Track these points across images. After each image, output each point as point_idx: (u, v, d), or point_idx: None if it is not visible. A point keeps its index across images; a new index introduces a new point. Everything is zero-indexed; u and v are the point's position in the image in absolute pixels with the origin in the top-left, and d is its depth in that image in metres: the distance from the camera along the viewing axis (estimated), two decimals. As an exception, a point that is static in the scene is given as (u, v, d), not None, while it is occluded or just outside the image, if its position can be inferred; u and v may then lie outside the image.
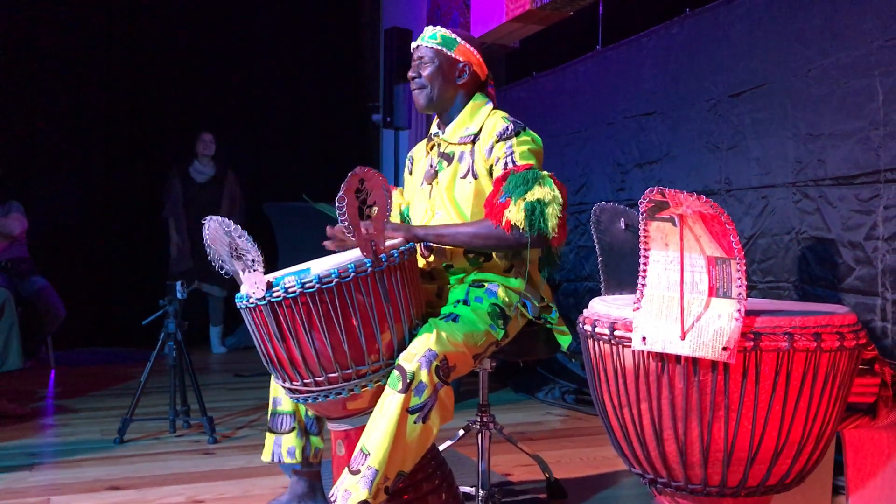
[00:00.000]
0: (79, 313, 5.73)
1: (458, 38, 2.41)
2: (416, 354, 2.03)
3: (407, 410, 1.99)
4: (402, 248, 2.11)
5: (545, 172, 2.22)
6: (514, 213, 2.16)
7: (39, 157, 6.28)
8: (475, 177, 2.34)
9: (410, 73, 2.43)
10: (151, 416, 3.72)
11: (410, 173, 2.60)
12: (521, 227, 2.15)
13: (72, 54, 6.41)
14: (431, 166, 2.44)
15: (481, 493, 2.46)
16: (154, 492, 2.79)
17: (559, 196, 2.17)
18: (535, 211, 2.14)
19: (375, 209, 2.02)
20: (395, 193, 2.63)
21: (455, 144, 2.40)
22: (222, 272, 2.06)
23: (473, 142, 2.37)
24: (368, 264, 2.00)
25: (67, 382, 4.96)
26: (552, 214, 2.14)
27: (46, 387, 4.87)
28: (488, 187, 2.30)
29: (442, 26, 2.45)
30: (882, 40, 2.77)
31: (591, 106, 4.65)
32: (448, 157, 2.41)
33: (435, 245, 2.35)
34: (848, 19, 2.92)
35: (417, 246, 2.38)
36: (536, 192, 2.16)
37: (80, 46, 6.45)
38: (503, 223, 2.17)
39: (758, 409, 1.51)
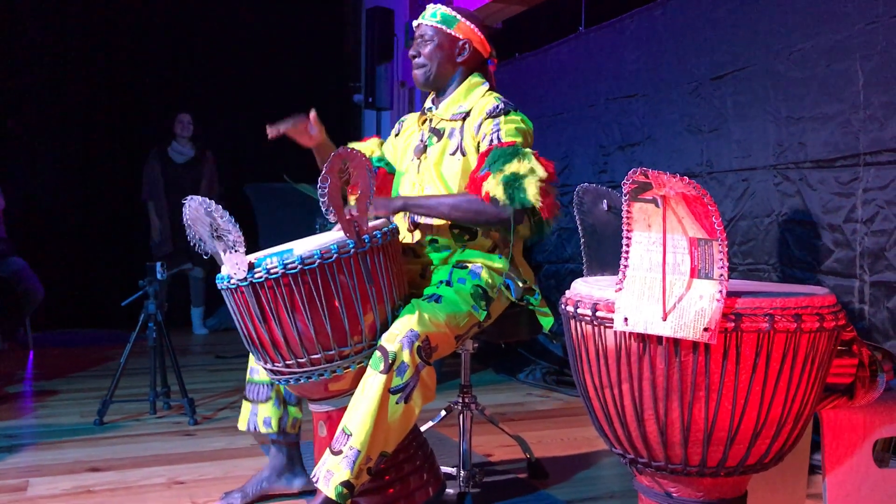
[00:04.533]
0: (58, 294, 5.67)
1: (459, 16, 2.41)
2: (398, 335, 2.03)
3: (389, 391, 1.99)
4: (385, 228, 2.10)
5: (528, 150, 2.22)
6: (493, 186, 2.16)
7: (16, 137, 6.20)
8: (463, 154, 2.34)
9: (410, 52, 2.44)
10: (132, 397, 3.70)
11: (396, 135, 2.59)
12: (501, 199, 2.15)
13: (49, 33, 6.33)
14: (422, 141, 2.44)
15: (462, 473, 2.47)
16: (134, 473, 2.78)
17: (540, 170, 2.17)
18: (512, 183, 2.14)
19: (358, 190, 2.01)
20: (372, 141, 2.65)
21: (446, 121, 2.40)
22: (202, 253, 2.04)
23: (464, 119, 2.36)
24: (351, 245, 2.00)
25: (46, 364, 4.92)
26: (530, 184, 2.14)
27: (25, 368, 4.83)
28: (475, 164, 2.30)
29: (424, 5, 2.45)
30: (863, 24, 2.78)
31: (573, 88, 4.65)
32: (438, 133, 2.41)
33: (421, 220, 2.35)
34: (829, 2, 2.93)
35: (404, 219, 2.38)
36: (513, 166, 2.16)
37: (58, 25, 6.36)
38: (482, 195, 2.17)
39: (738, 390, 1.52)
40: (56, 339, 5.83)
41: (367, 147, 2.62)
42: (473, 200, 2.21)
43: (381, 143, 2.66)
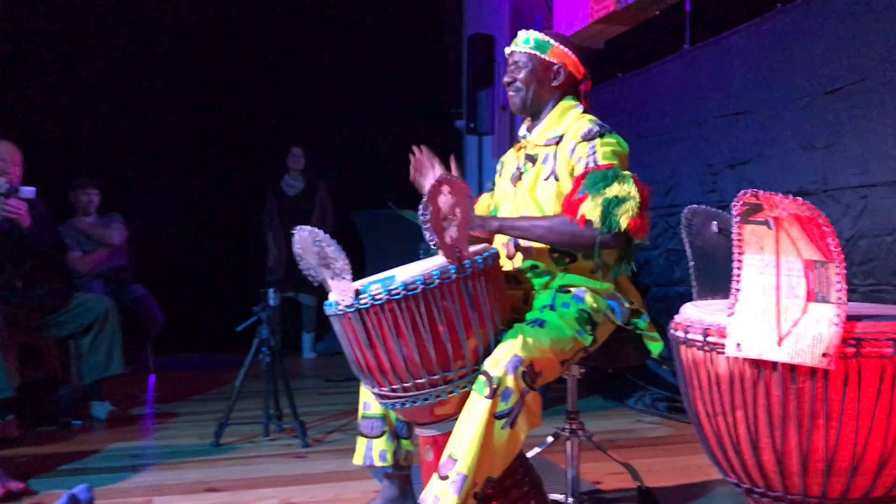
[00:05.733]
0: (176, 320, 5.93)
1: (552, 41, 2.42)
2: (502, 360, 2.02)
3: (494, 416, 1.99)
4: (486, 253, 2.11)
5: (627, 172, 2.19)
6: (590, 209, 2.14)
7: (139, 172, 6.56)
8: (556, 178, 2.33)
9: (506, 79, 2.46)
10: (246, 419, 3.82)
11: (500, 175, 2.61)
12: (595, 223, 2.13)
13: (167, 75, 6.68)
14: (518, 168, 2.45)
15: (571, 500, 2.43)
16: (249, 494, 2.86)
17: (637, 195, 2.14)
18: (609, 207, 2.11)
19: (459, 216, 2.03)
20: (486, 195, 2.65)
21: (541, 146, 2.40)
22: (312, 280, 2.10)
23: (557, 143, 2.36)
24: (453, 270, 2.01)
25: (166, 387, 5.15)
26: (626, 211, 2.11)
27: (146, 391, 5.06)
28: (568, 188, 2.28)
29: (525, 30, 2.46)
30: None
31: (679, 106, 4.56)
32: (532, 159, 2.41)
33: (521, 245, 2.35)
34: (953, 8, 2.79)
35: (503, 246, 2.39)
36: (614, 189, 2.13)
37: (176, 67, 6.71)
38: (577, 217, 2.15)
39: (860, 418, 1.45)
40: (175, 364, 6.09)
41: (485, 204, 2.62)
42: (567, 223, 2.19)
43: (492, 193, 2.68)
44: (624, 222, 2.11)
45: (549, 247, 2.32)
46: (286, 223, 6.12)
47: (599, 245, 2.16)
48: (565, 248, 2.30)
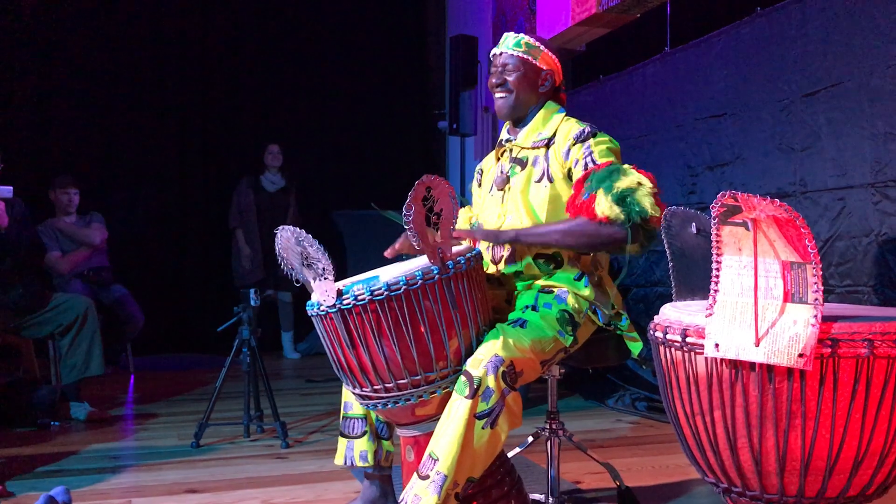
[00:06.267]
0: (156, 320, 5.90)
1: (542, 46, 2.42)
2: (483, 360, 2.03)
3: (474, 416, 1.99)
4: (469, 254, 2.12)
5: (627, 165, 2.21)
6: (605, 207, 2.14)
7: (118, 171, 6.51)
8: (550, 180, 2.33)
9: (494, 81, 2.43)
10: (226, 420, 3.81)
11: (479, 185, 2.60)
12: (617, 217, 2.13)
13: (147, 73, 6.64)
14: (503, 172, 2.44)
15: (551, 500, 2.44)
16: (230, 495, 2.85)
17: (646, 181, 2.15)
18: (625, 199, 2.12)
19: (442, 217, 2.03)
20: (463, 211, 2.63)
21: (528, 149, 2.40)
22: (294, 281, 2.10)
23: (547, 146, 2.36)
24: (436, 271, 2.02)
25: (146, 388, 5.11)
26: (643, 196, 2.12)
27: (126, 392, 5.03)
28: (564, 191, 2.29)
29: (507, 32, 2.46)
30: (966, 34, 2.67)
31: (659, 109, 4.59)
32: (521, 162, 2.40)
33: (505, 253, 2.35)
34: (928, 13, 2.82)
35: (487, 251, 2.39)
36: (622, 182, 2.15)
37: (155, 65, 6.67)
38: (598, 217, 2.15)
39: (836, 418, 1.47)
40: (155, 364, 6.04)
41: (465, 217, 2.61)
42: (585, 224, 2.18)
43: (470, 207, 2.67)
44: (648, 206, 2.12)
45: (534, 252, 2.32)
46: (264, 219, 6.09)
47: (631, 238, 2.15)
48: (588, 251, 2.28)
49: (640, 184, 2.15)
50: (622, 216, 2.12)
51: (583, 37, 5.30)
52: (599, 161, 2.24)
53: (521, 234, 2.27)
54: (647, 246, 2.25)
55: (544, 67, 2.41)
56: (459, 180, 6.38)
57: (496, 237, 2.26)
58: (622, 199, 2.12)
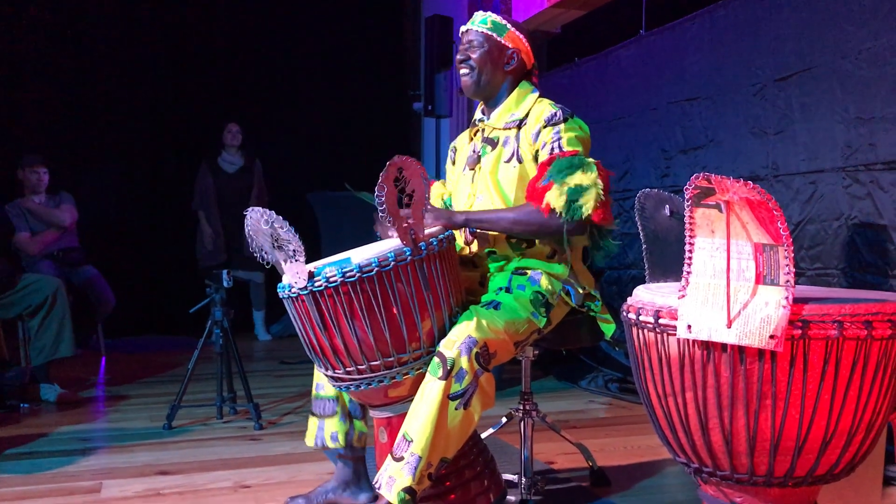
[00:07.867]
0: (128, 302, 5.84)
1: (508, 25, 2.41)
2: (456, 341, 2.03)
3: (448, 397, 2.00)
4: (441, 235, 2.11)
5: (591, 159, 2.21)
6: (555, 198, 2.15)
7: (87, 151, 6.40)
8: (520, 161, 2.33)
9: (459, 57, 2.42)
10: (199, 402, 3.78)
11: (454, 163, 2.59)
12: (560, 211, 2.14)
13: (116, 50, 6.51)
14: (474, 151, 2.44)
15: (524, 480, 2.46)
16: (202, 477, 2.84)
17: (601, 183, 2.16)
18: (574, 195, 2.13)
19: (415, 198, 2.02)
20: (437, 184, 2.63)
21: (500, 129, 2.39)
22: (264, 263, 2.07)
23: (519, 127, 2.36)
24: (408, 253, 2.01)
25: (118, 369, 5.07)
26: (588, 200, 2.13)
27: (97, 374, 4.98)
28: (532, 171, 2.29)
29: (483, 11, 2.44)
30: (936, 20, 2.69)
31: (634, 91, 4.60)
32: (492, 142, 2.40)
33: (478, 231, 2.35)
34: (901, -2, 2.84)
35: (461, 233, 2.38)
36: (578, 178, 2.15)
37: (124, 45, 6.55)
38: (543, 206, 2.17)
39: (806, 398, 1.48)
40: (127, 346, 6.00)
41: (437, 193, 2.61)
42: (534, 213, 2.20)
43: (444, 182, 2.67)
44: (587, 211, 2.14)
45: (506, 235, 2.32)
46: (223, 201, 6.05)
47: (566, 233, 2.18)
48: (532, 238, 2.31)
49: (593, 183, 2.15)
50: (564, 211, 2.14)
51: (558, 18, 5.29)
52: (566, 149, 2.24)
53: (472, 217, 2.28)
54: (601, 244, 2.27)
55: (510, 45, 2.40)
56: (434, 162, 6.35)
57: (448, 218, 2.25)
58: (572, 194, 2.14)
